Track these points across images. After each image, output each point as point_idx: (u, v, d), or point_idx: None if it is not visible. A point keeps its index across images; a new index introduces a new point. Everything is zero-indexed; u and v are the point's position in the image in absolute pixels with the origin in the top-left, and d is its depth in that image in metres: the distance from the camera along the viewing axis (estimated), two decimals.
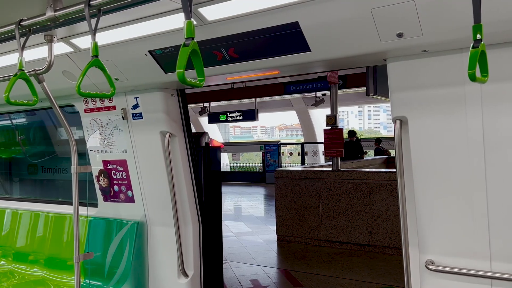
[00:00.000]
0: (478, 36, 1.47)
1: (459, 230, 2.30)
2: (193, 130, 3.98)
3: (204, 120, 19.38)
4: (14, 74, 2.51)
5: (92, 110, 3.72)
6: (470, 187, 2.23)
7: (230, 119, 15.47)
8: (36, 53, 3.00)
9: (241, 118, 15.21)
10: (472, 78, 1.44)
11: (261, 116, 15.99)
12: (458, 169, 2.25)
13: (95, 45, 2.09)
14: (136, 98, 3.41)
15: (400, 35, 2.06)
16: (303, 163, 18.48)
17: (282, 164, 19.16)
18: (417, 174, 2.38)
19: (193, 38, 1.61)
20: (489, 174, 2.17)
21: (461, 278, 2.32)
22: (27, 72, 2.64)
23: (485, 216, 2.21)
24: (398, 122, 2.41)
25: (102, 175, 3.83)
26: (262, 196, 14.87)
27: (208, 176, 3.98)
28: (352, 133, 12.18)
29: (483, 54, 1.49)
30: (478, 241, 2.25)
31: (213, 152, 4.09)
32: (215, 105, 17.11)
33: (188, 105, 3.78)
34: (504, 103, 2.08)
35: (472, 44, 1.47)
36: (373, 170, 7.99)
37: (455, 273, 2.32)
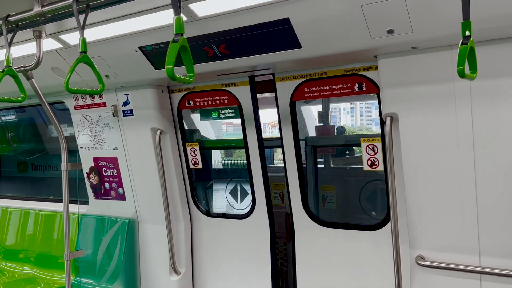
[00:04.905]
0: (467, 33, 1.47)
1: (449, 225, 2.32)
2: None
3: (196, 117, 19.27)
4: (1, 70, 2.48)
5: (82, 107, 3.68)
6: (460, 183, 2.24)
7: (223, 116, 15.44)
8: (25, 49, 2.96)
9: (233, 115, 15.18)
10: (461, 74, 1.44)
11: None
12: (448, 165, 2.26)
13: (84, 41, 2.07)
14: (126, 94, 3.38)
15: (390, 31, 2.07)
16: None
17: (275, 161, 19.13)
18: (407, 170, 2.39)
19: (182, 34, 1.59)
20: (478, 170, 2.18)
21: (451, 273, 2.34)
22: (16, 68, 2.60)
23: (474, 212, 2.22)
24: (388, 118, 2.41)
25: (93, 173, 3.80)
26: None
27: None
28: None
29: (472, 51, 1.49)
30: (468, 237, 2.27)
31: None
32: None
33: None
34: (493, 100, 2.10)
35: (461, 41, 1.47)
36: None
37: (445, 268, 2.34)
